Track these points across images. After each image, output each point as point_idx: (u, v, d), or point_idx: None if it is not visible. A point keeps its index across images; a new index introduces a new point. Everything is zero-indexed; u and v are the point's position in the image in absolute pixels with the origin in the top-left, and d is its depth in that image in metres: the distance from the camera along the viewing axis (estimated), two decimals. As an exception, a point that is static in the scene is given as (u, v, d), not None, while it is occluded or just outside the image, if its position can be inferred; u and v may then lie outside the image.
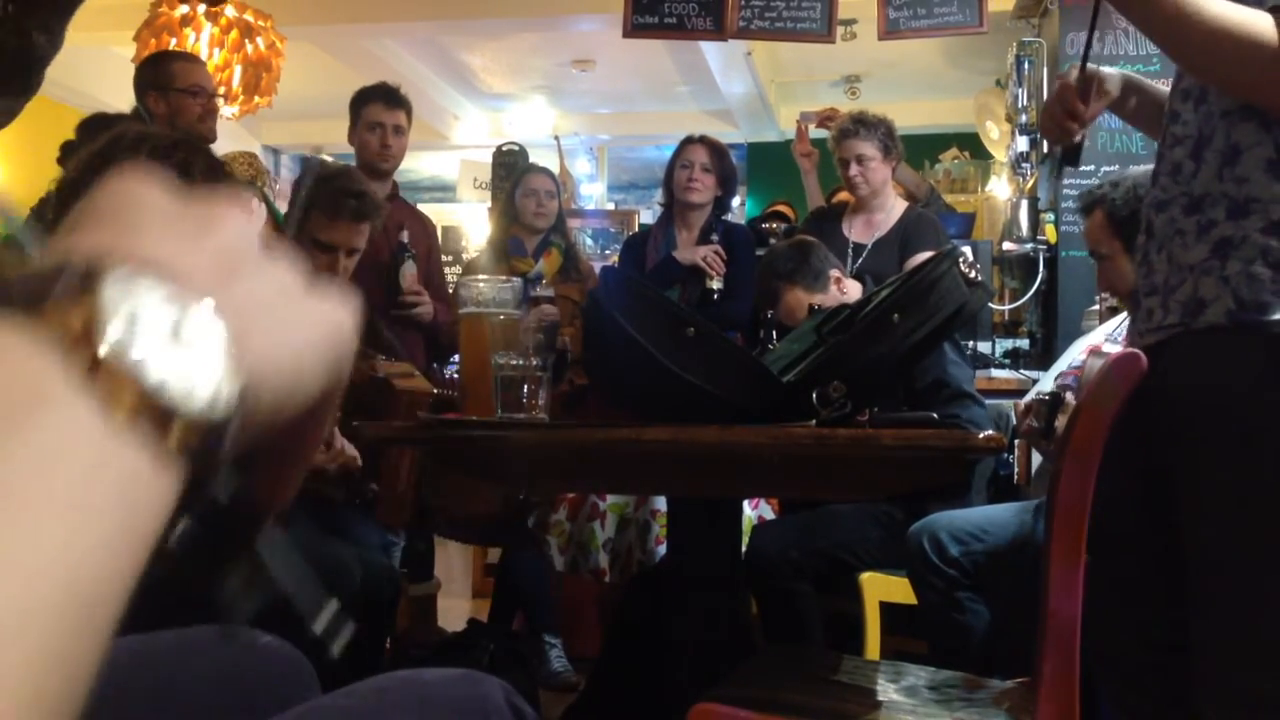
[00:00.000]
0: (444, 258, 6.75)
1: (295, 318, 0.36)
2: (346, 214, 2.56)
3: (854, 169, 3.54)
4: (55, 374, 0.28)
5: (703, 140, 3.69)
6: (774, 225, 4.96)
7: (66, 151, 2.76)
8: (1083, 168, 4.67)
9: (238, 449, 0.32)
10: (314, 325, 0.37)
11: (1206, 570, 1.49)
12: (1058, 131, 1.74)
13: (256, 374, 0.32)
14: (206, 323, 0.31)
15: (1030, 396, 2.60)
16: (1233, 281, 1.47)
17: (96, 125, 2.92)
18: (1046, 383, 2.86)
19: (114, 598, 0.28)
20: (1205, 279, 1.50)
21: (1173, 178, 1.58)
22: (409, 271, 3.33)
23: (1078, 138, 1.71)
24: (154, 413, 0.29)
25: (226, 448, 0.32)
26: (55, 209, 1.69)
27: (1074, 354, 2.94)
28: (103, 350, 0.29)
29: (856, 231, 3.65)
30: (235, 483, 0.34)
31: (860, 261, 3.57)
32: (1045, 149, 4.88)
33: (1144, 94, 1.79)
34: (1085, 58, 1.68)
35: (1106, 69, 1.76)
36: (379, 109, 3.48)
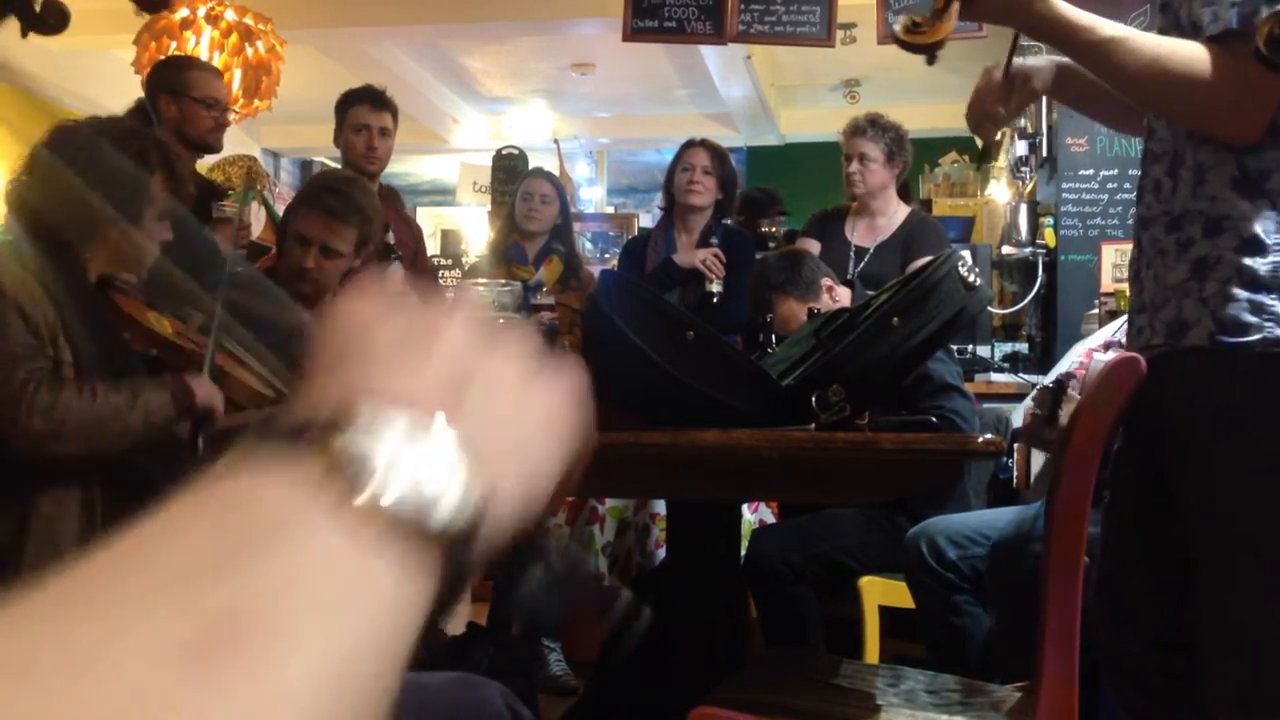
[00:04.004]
0: (444, 261, 6.76)
1: (527, 414, 0.38)
2: (320, 208, 2.58)
3: (854, 166, 3.55)
4: (307, 498, 0.31)
5: (704, 144, 3.69)
6: (774, 229, 4.96)
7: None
8: (1082, 172, 4.68)
9: (495, 540, 0.35)
10: (545, 414, 0.39)
11: (1207, 574, 1.51)
12: (983, 127, 1.78)
13: (499, 482, 0.35)
14: (445, 444, 0.34)
15: (1031, 399, 2.60)
16: (1211, 303, 1.50)
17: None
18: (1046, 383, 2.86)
19: (382, 690, 0.30)
20: (1186, 300, 1.53)
21: (1155, 195, 1.61)
22: (394, 274, 3.34)
23: (996, 136, 1.73)
24: (402, 531, 0.31)
25: (477, 551, 0.34)
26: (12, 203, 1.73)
27: (1073, 357, 2.94)
28: (351, 480, 0.31)
29: (859, 235, 3.65)
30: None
31: (862, 265, 3.57)
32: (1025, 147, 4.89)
33: (1083, 78, 1.79)
34: (1009, 62, 1.70)
35: (1035, 61, 1.75)
36: (365, 111, 3.49)
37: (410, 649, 0.31)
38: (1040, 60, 1.75)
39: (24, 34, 1.74)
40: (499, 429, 0.36)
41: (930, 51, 1.57)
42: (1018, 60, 1.71)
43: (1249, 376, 1.48)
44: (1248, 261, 1.48)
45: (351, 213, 2.58)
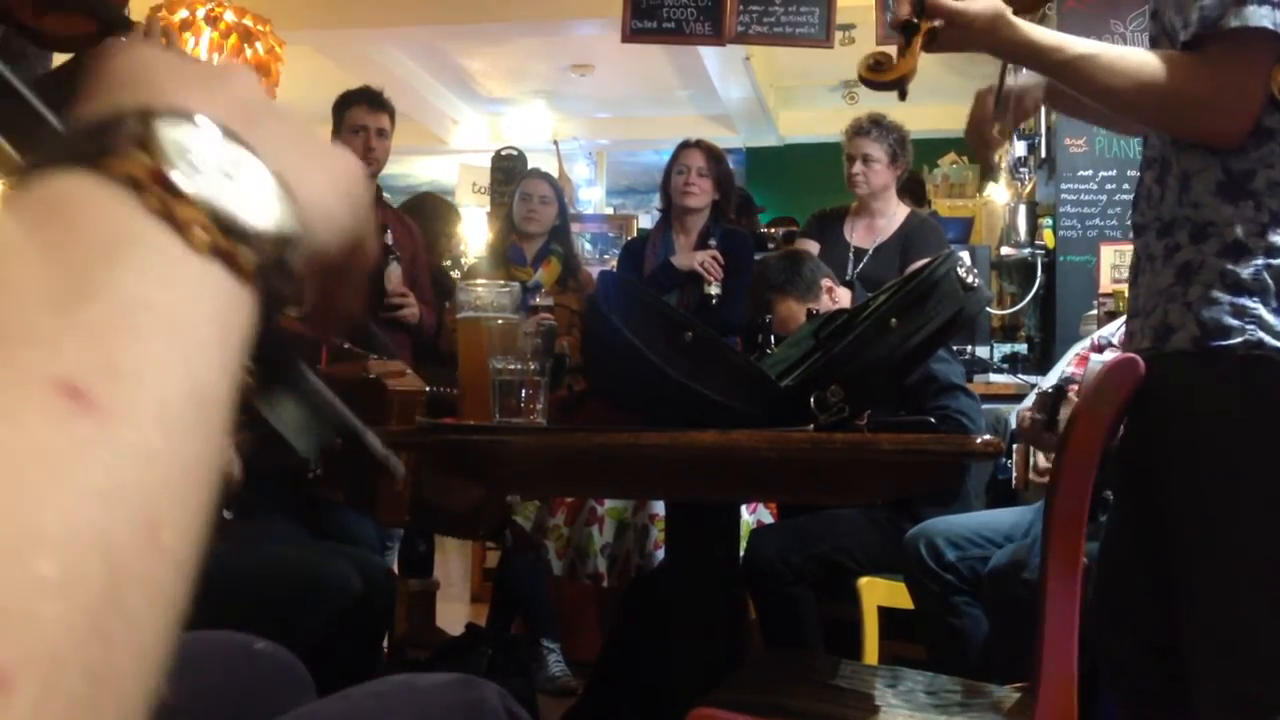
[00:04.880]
0: (444, 262, 6.75)
1: (318, 160, 0.38)
2: None
3: (857, 167, 3.55)
4: (135, 215, 0.30)
5: (699, 144, 3.69)
6: (773, 230, 4.96)
7: None
8: (1081, 173, 4.68)
9: (300, 271, 0.35)
10: (334, 168, 0.39)
11: (1194, 578, 1.52)
12: (979, 149, 1.81)
13: (302, 205, 0.35)
14: (255, 160, 0.33)
15: (1030, 400, 2.60)
16: (1195, 307, 1.51)
17: None
18: (1045, 387, 2.86)
19: (223, 407, 0.30)
20: (1171, 305, 1.54)
21: (1147, 202, 1.63)
22: (394, 274, 3.34)
23: (994, 160, 1.76)
24: (229, 240, 0.31)
25: (294, 269, 0.34)
26: None
27: (1072, 358, 2.94)
28: (171, 191, 0.31)
29: (858, 236, 3.65)
30: (279, 320, 0.37)
31: (861, 266, 3.57)
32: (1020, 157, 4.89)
33: None
34: (1001, 82, 1.72)
35: (1026, 79, 1.77)
36: (362, 112, 3.49)
37: (240, 361, 0.31)
38: (1031, 77, 1.76)
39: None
40: (298, 159, 0.36)
41: (897, 87, 1.58)
42: (1009, 80, 1.72)
43: (1232, 379, 1.49)
44: (1230, 266, 1.49)
45: None
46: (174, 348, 0.29)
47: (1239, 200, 1.50)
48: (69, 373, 0.26)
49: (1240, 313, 1.48)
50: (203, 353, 0.30)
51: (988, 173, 1.69)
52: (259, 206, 0.33)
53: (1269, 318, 1.47)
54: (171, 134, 0.32)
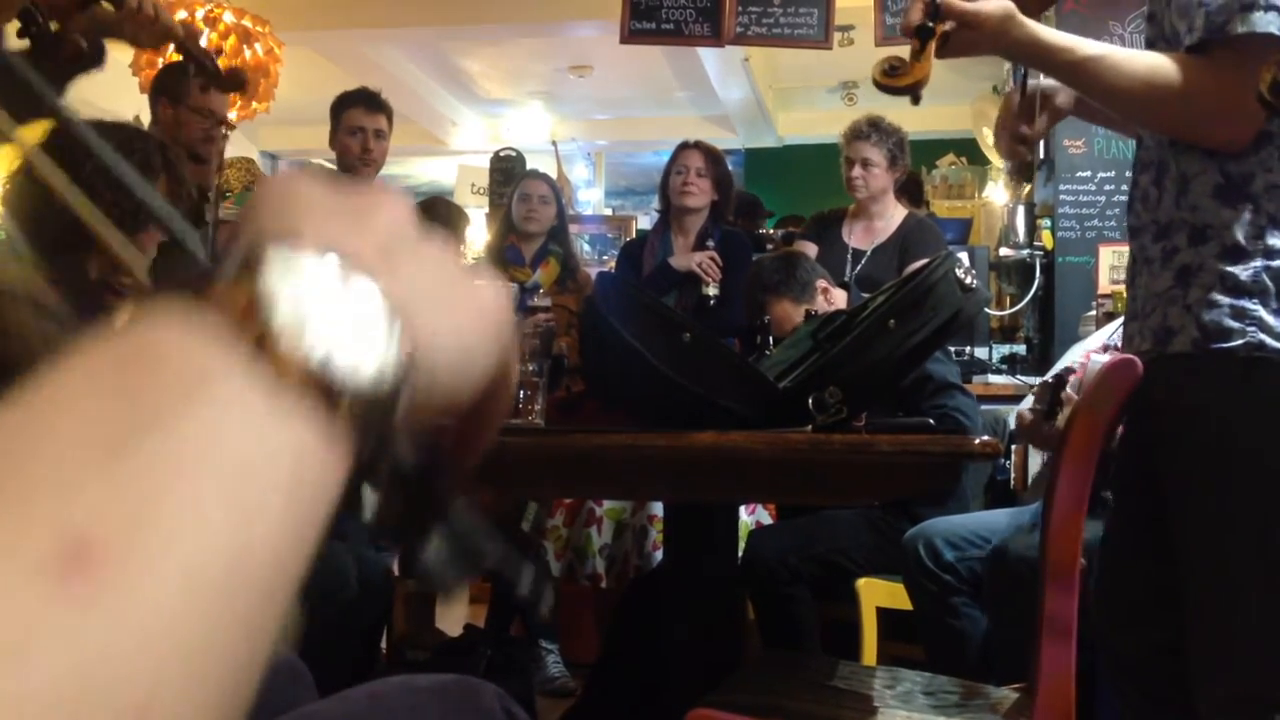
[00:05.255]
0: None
1: (457, 298, 0.36)
2: None
3: (856, 171, 3.55)
4: (220, 351, 0.28)
5: (698, 145, 3.70)
6: (775, 231, 4.96)
7: None
8: (1079, 174, 4.69)
9: (414, 424, 0.32)
10: (475, 306, 0.36)
11: (1192, 577, 1.52)
12: (1010, 152, 1.78)
13: (424, 349, 0.32)
14: (372, 298, 0.31)
15: (1028, 401, 2.60)
16: (1195, 310, 1.51)
17: None
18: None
19: (288, 576, 0.27)
20: (1171, 308, 1.54)
21: (1144, 204, 1.63)
22: None
23: (1029, 157, 1.74)
24: (321, 387, 0.29)
25: (399, 422, 0.31)
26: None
27: (1071, 359, 2.94)
28: (267, 325, 0.28)
29: (856, 238, 3.65)
30: (421, 456, 0.34)
31: (859, 267, 3.57)
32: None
33: None
34: (1024, 81, 1.71)
35: (1049, 84, 1.76)
36: (360, 113, 3.49)
37: (320, 522, 0.28)
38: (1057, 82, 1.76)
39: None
40: (432, 298, 0.34)
41: (912, 92, 1.58)
42: (1032, 81, 1.71)
43: (1233, 381, 1.49)
44: (1229, 268, 1.49)
45: None
46: (227, 500, 0.26)
47: (1237, 203, 1.50)
48: (81, 522, 0.24)
49: (1240, 315, 1.48)
50: (267, 507, 0.27)
51: (1019, 173, 1.65)
52: (369, 350, 0.30)
53: (1269, 319, 1.47)
54: (283, 266, 0.30)
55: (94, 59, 1.86)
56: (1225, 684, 1.48)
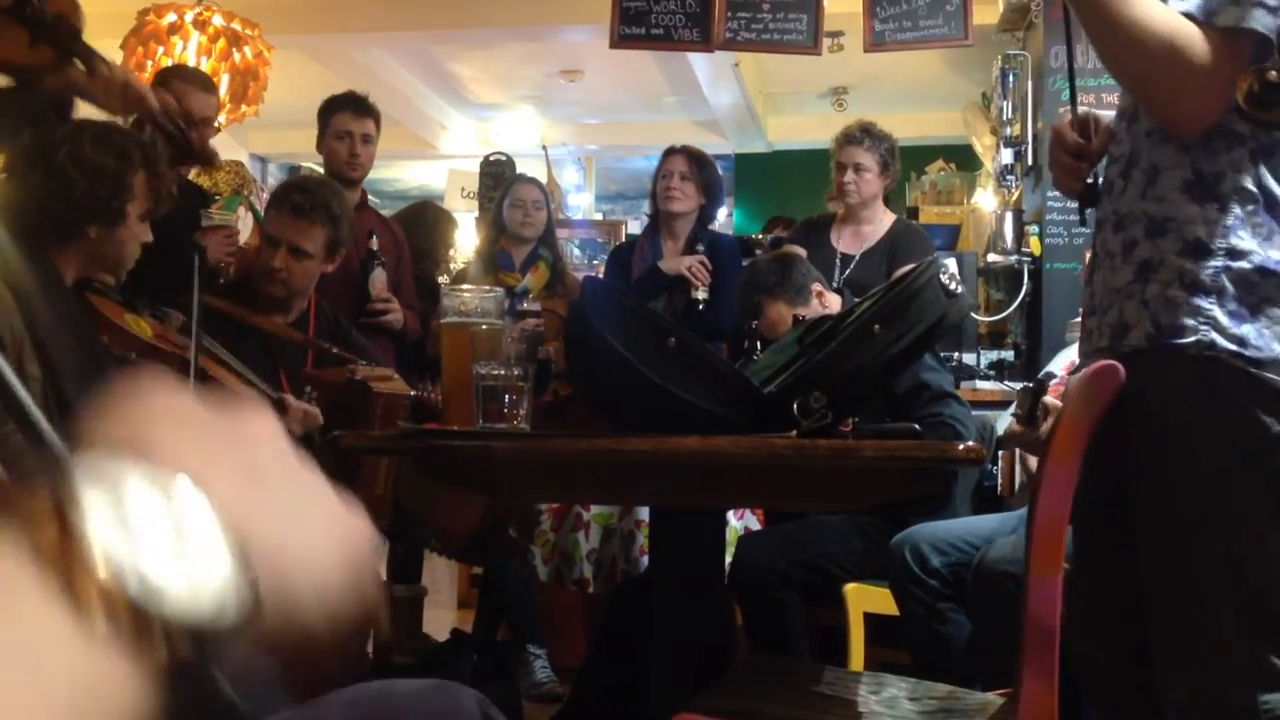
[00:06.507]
0: (442, 274, 6.75)
1: (316, 526, 0.33)
2: (287, 206, 2.60)
3: (849, 176, 3.56)
4: (22, 569, 0.26)
5: (683, 150, 3.71)
6: (760, 235, 4.97)
7: None
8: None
9: (253, 653, 0.30)
10: (335, 535, 0.34)
11: (1151, 579, 1.52)
12: (1069, 177, 1.72)
13: (271, 576, 0.30)
14: (210, 522, 0.28)
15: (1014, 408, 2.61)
16: (1152, 305, 1.51)
17: None
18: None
19: None
20: (1128, 303, 1.54)
21: (1107, 196, 1.62)
22: (378, 279, 3.33)
23: (1089, 178, 1.70)
24: (137, 617, 0.26)
25: (231, 658, 0.29)
26: None
27: (1058, 365, 2.95)
28: (80, 546, 0.26)
29: (845, 242, 3.66)
30: (258, 687, 0.32)
31: (848, 272, 3.58)
32: (1030, 161, 4.91)
33: None
34: (1073, 97, 1.70)
35: (1099, 112, 1.74)
36: (347, 118, 3.48)
37: None
38: (1104, 112, 1.74)
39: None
40: (287, 525, 0.31)
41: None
42: (1082, 109, 1.69)
43: (1184, 380, 1.49)
44: (1189, 265, 1.49)
45: (317, 210, 2.58)
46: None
47: (1204, 201, 1.49)
48: None
49: (1196, 312, 1.47)
50: None
51: (1084, 198, 1.62)
52: (198, 576, 0.27)
53: (1223, 319, 1.46)
54: (110, 489, 0.27)
55: (61, 114, 1.87)
56: (1195, 690, 1.47)
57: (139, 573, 0.26)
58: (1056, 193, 4.68)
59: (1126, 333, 1.53)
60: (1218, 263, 1.48)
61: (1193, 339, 1.47)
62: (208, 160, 2.27)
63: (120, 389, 0.32)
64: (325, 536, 0.33)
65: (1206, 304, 1.47)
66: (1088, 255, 1.77)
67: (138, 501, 0.27)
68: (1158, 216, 1.52)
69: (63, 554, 0.26)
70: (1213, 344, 1.46)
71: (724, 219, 7.61)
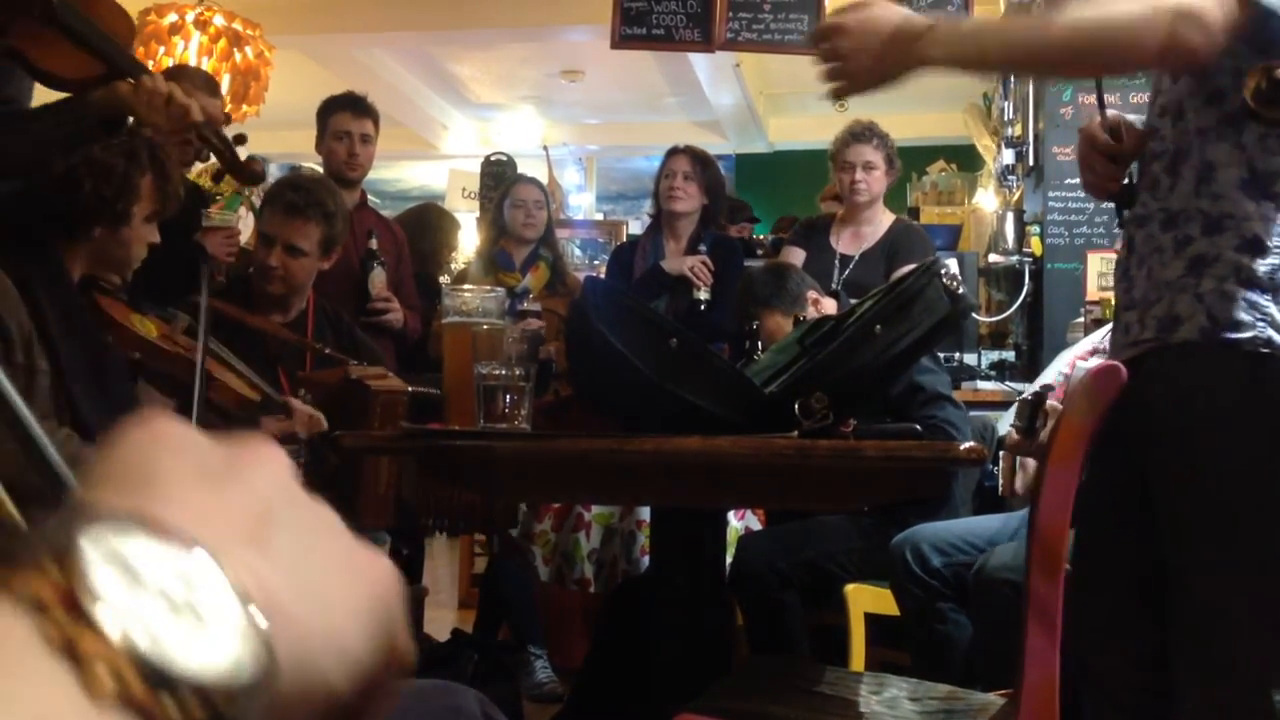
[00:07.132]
0: (445, 275, 6.76)
1: (338, 576, 0.31)
2: (281, 203, 2.60)
3: (859, 174, 3.54)
4: (26, 643, 0.24)
5: (686, 150, 3.71)
6: (762, 237, 4.97)
7: None
8: (1068, 180, 4.69)
9: (281, 713, 0.28)
10: (359, 583, 0.31)
11: (1179, 585, 1.51)
12: (1102, 181, 1.69)
13: (290, 638, 0.28)
14: (215, 581, 0.27)
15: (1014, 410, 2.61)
16: (1206, 299, 1.49)
17: None
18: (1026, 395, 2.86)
19: None
20: (1181, 296, 1.52)
21: (1151, 193, 1.60)
22: (378, 279, 3.33)
23: (1125, 179, 1.68)
24: (147, 689, 0.25)
25: (258, 711, 0.27)
26: None
27: (1059, 366, 2.95)
28: (83, 614, 0.25)
29: (844, 243, 3.66)
30: None
31: (847, 273, 3.58)
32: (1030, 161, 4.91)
33: None
34: (1101, 101, 1.69)
35: (1129, 116, 1.72)
36: (346, 118, 3.48)
37: None
38: (1133, 116, 1.72)
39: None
40: (307, 578, 0.29)
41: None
42: (1111, 112, 1.68)
43: (1237, 376, 1.47)
44: (1247, 261, 1.48)
45: (312, 207, 2.57)
46: None
47: (1261, 199, 1.48)
48: None
49: (1253, 308, 1.47)
50: None
51: (1120, 199, 1.60)
52: (213, 643, 0.26)
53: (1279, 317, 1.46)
54: (110, 547, 0.26)
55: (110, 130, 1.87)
56: (1208, 699, 1.46)
57: (148, 633, 0.25)
58: (1058, 194, 4.69)
59: (1177, 326, 1.51)
60: (1275, 260, 1.47)
61: (1249, 334, 1.46)
62: (255, 179, 2.24)
63: (124, 429, 0.31)
64: (346, 586, 0.31)
65: (1264, 300, 1.47)
66: (1115, 251, 1.74)
67: (145, 558, 0.26)
68: (1214, 214, 1.51)
69: (67, 612, 0.25)
70: (1270, 340, 1.46)
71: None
